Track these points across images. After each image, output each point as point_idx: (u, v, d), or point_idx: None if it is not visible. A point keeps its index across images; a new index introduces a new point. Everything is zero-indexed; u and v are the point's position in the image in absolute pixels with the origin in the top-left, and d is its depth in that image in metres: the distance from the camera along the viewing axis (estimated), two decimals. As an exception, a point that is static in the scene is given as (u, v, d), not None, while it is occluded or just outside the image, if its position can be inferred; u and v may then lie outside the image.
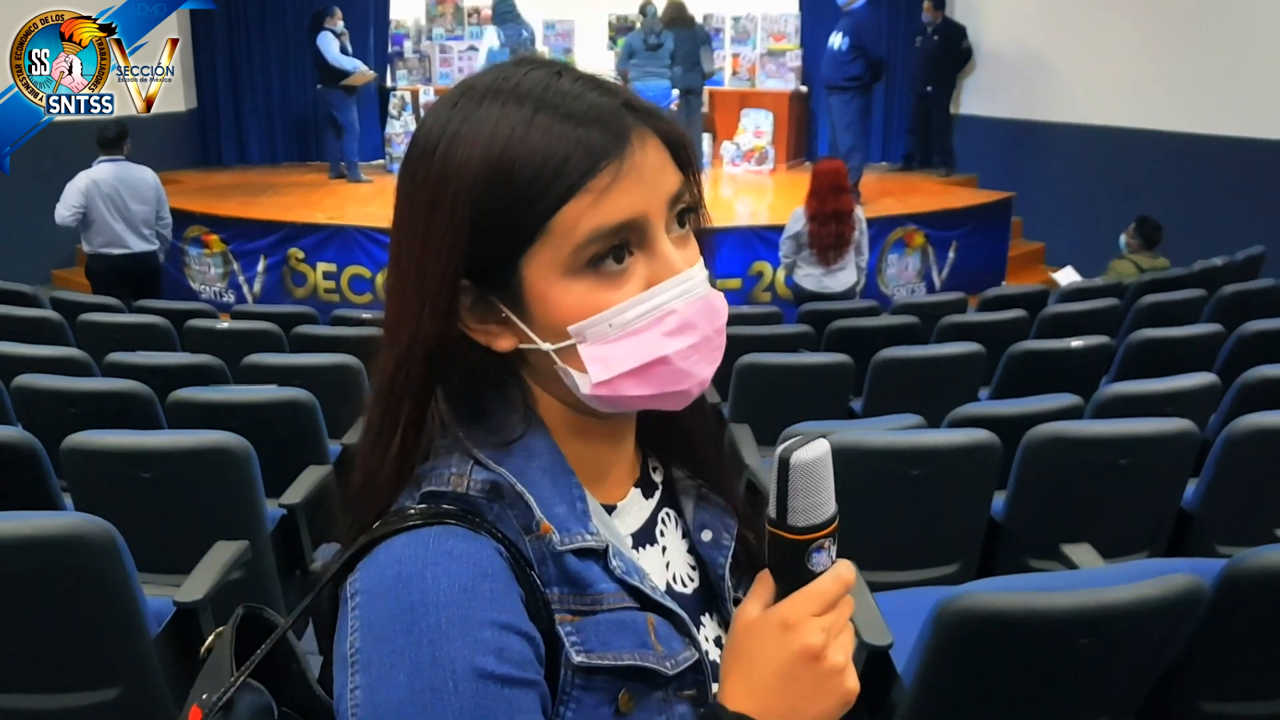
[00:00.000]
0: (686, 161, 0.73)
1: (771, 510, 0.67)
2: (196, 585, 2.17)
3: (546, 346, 0.71)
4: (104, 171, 5.33)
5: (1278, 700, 1.96)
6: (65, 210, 5.26)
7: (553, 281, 0.69)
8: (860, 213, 5.47)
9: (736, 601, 0.80)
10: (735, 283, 6.60)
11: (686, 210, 0.73)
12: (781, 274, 6.08)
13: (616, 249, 0.69)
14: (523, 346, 0.72)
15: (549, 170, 0.67)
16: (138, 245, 5.47)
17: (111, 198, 5.32)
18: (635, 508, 0.80)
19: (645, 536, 0.79)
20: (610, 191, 0.67)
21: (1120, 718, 1.84)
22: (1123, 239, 5.91)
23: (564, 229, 0.67)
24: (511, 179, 0.67)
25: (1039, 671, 1.73)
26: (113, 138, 5.37)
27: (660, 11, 8.03)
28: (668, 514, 0.82)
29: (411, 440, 0.72)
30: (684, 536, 0.83)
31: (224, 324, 4.59)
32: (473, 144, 0.68)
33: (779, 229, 5.78)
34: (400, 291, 0.72)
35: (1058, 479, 2.55)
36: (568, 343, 0.70)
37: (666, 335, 0.70)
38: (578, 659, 0.69)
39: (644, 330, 0.70)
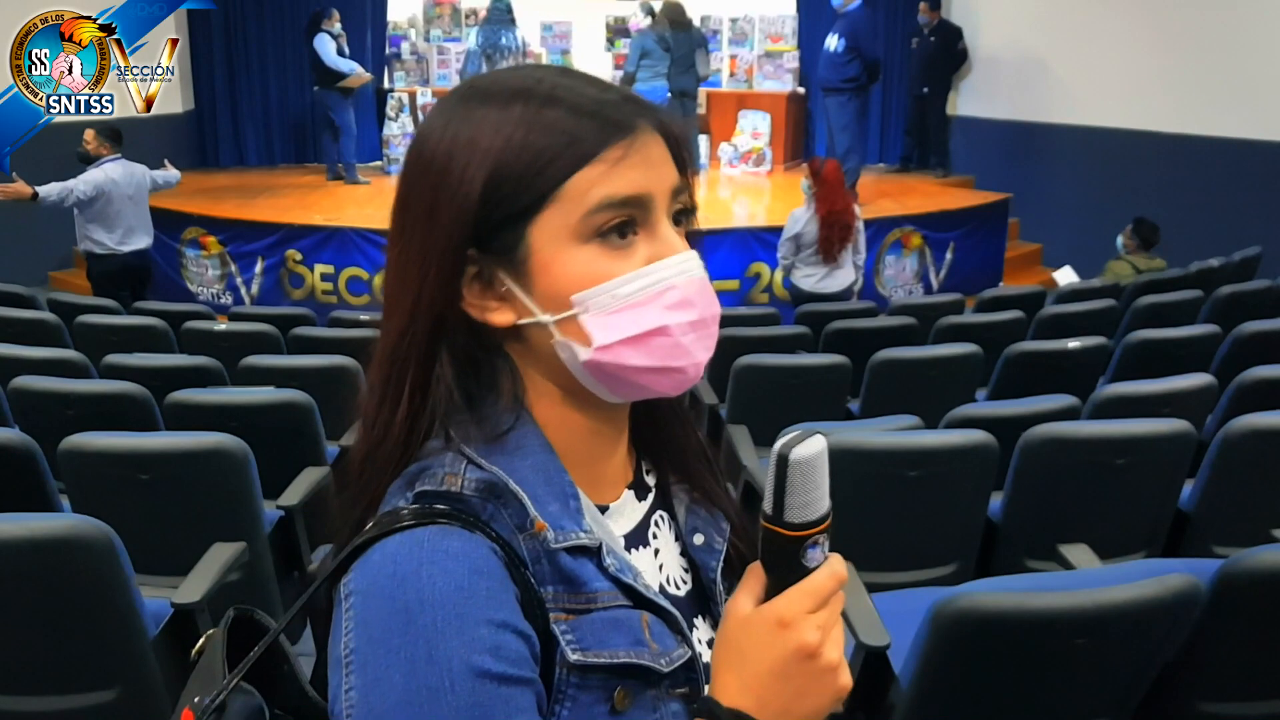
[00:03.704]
0: (684, 163, 0.75)
1: (767, 506, 0.67)
2: (194, 587, 2.17)
3: (547, 318, 0.71)
4: (116, 171, 5.42)
5: (1275, 700, 1.96)
6: (83, 188, 5.29)
7: (559, 248, 0.70)
8: (858, 211, 5.50)
9: None
10: (733, 284, 6.60)
11: (683, 211, 0.75)
12: (779, 275, 6.09)
13: (622, 225, 0.71)
14: (521, 321, 0.72)
15: (564, 140, 0.69)
16: (142, 242, 5.62)
17: (127, 195, 5.44)
18: (628, 509, 0.80)
19: (638, 538, 0.79)
20: (622, 165, 0.70)
21: (1118, 718, 1.84)
22: (1120, 240, 5.92)
23: (576, 194, 0.69)
24: (527, 147, 0.69)
25: (1036, 672, 1.73)
26: (115, 135, 5.43)
27: (658, 12, 8.04)
28: (661, 516, 0.83)
29: (419, 404, 0.73)
30: (677, 539, 0.83)
31: (221, 326, 4.58)
32: (490, 125, 0.70)
33: (777, 230, 5.79)
34: (405, 258, 0.73)
35: (1055, 480, 2.55)
36: (569, 313, 0.71)
37: (667, 308, 0.71)
38: (573, 657, 0.69)
39: (646, 303, 0.71)
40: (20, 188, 5.13)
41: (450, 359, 0.73)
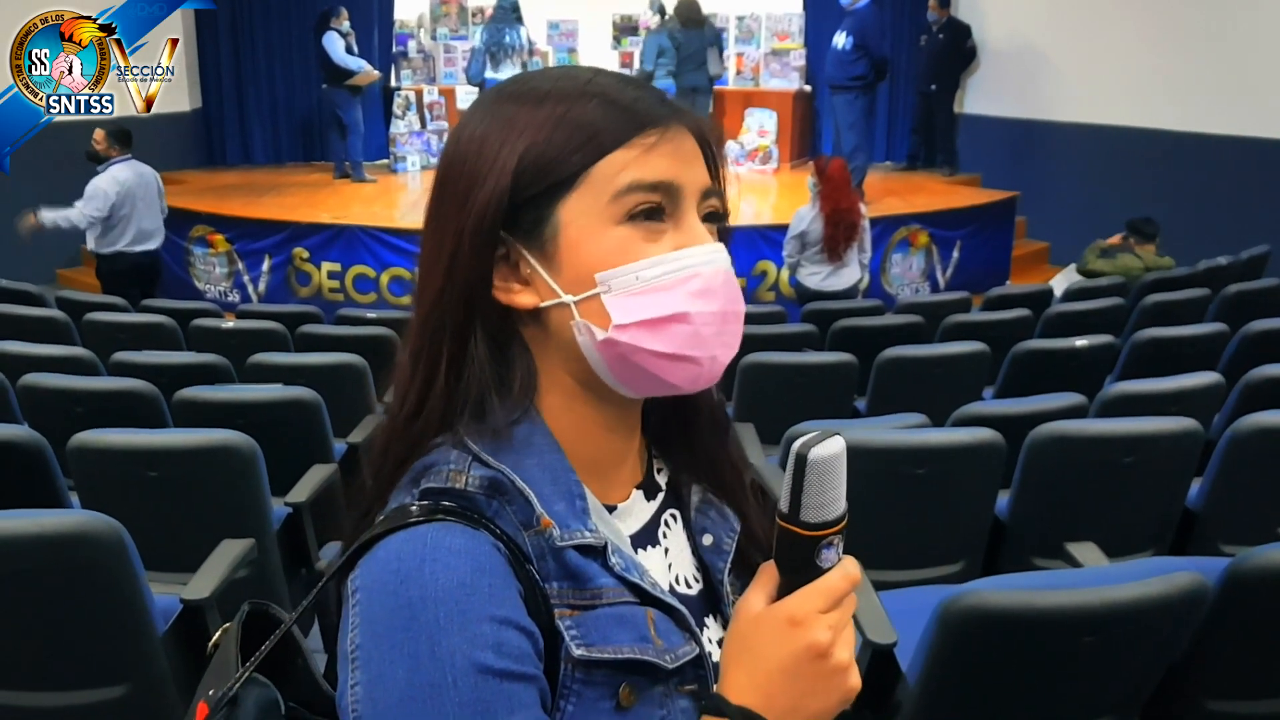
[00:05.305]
0: (715, 166, 0.76)
1: (783, 505, 0.67)
2: (203, 583, 2.18)
3: (569, 298, 0.72)
4: (125, 172, 5.44)
5: (1282, 699, 1.96)
6: (94, 212, 5.33)
7: (586, 226, 0.71)
8: (863, 209, 5.50)
9: None
10: (739, 282, 6.58)
11: (713, 214, 0.76)
12: (785, 274, 6.09)
13: (651, 210, 0.72)
14: (544, 304, 0.73)
15: (598, 126, 0.72)
16: (154, 243, 5.66)
17: (138, 196, 5.46)
18: (637, 509, 0.80)
19: (647, 538, 0.79)
20: (654, 151, 0.72)
21: (1125, 716, 1.84)
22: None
23: (606, 176, 0.71)
24: (561, 129, 0.72)
25: (1043, 670, 1.73)
26: (125, 137, 5.44)
27: (670, 10, 8.04)
28: (673, 515, 0.82)
29: (453, 379, 0.73)
30: (689, 538, 0.83)
31: (229, 323, 4.59)
32: (527, 112, 0.73)
33: (783, 228, 5.79)
34: (439, 237, 0.74)
35: (1062, 478, 2.55)
36: (591, 292, 0.71)
37: (690, 295, 0.72)
38: (577, 652, 0.69)
39: (669, 288, 0.72)
40: (29, 221, 5.29)
41: (485, 336, 0.73)
